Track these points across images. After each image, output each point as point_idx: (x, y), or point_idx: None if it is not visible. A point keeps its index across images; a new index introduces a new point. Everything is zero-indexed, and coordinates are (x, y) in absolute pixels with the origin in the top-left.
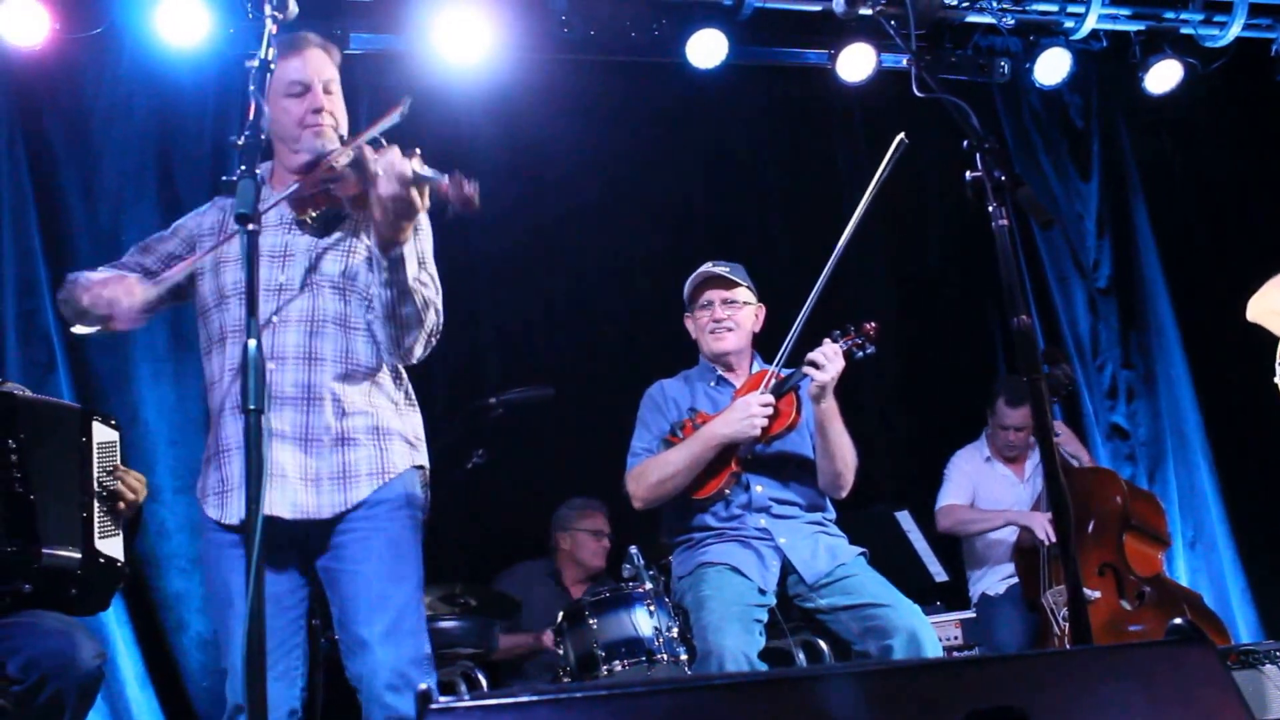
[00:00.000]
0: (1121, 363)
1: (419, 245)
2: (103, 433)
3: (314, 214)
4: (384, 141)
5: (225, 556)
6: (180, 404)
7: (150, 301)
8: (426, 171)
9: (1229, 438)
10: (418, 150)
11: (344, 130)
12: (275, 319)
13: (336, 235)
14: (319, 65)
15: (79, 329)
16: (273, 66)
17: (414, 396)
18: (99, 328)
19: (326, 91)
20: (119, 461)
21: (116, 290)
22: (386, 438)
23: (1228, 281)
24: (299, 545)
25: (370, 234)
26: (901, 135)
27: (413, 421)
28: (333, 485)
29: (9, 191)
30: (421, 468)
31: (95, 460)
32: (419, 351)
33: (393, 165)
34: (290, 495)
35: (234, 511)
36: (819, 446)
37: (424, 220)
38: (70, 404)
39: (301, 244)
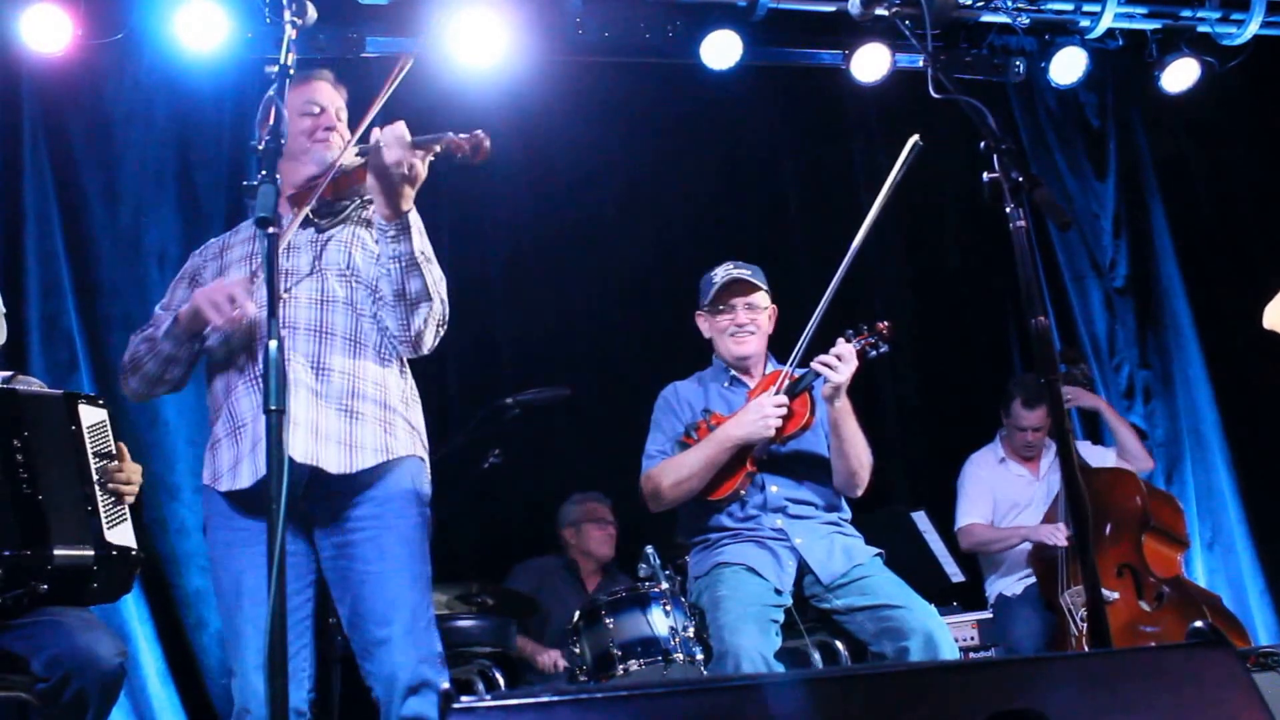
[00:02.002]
0: (1138, 363)
1: (420, 242)
2: (90, 415)
3: (314, 209)
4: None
5: (234, 551)
6: (200, 404)
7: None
8: (426, 136)
9: (1247, 438)
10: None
11: (350, 153)
12: (285, 295)
13: (337, 229)
14: (330, 96)
15: (157, 389)
16: (292, 71)
17: (418, 393)
18: (175, 379)
19: (338, 118)
20: (111, 440)
21: (222, 289)
22: (390, 421)
23: (1245, 280)
24: (301, 537)
25: (370, 228)
26: (916, 137)
27: (415, 416)
28: (339, 447)
29: (32, 194)
30: (424, 460)
31: (89, 446)
32: (429, 339)
33: (394, 132)
34: (301, 441)
35: (245, 476)
36: (834, 446)
37: (416, 219)
38: (52, 391)
39: (304, 237)
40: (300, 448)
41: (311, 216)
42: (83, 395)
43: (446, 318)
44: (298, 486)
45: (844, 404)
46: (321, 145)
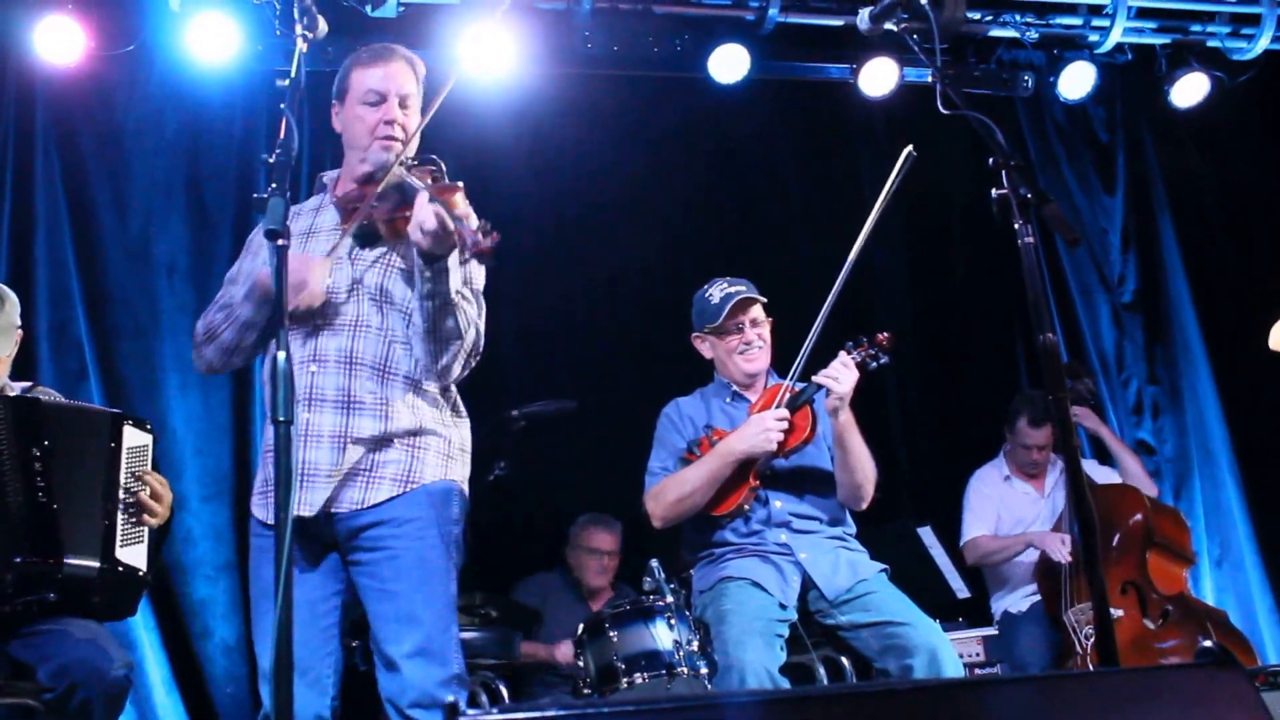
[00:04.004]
0: (1147, 378)
1: (467, 272)
2: (134, 437)
3: (354, 227)
4: (443, 167)
5: (264, 565)
6: (207, 413)
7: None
8: (465, 230)
9: (1256, 454)
10: (460, 185)
11: (414, 144)
12: (321, 322)
13: (376, 249)
14: (401, 78)
15: (234, 358)
16: (302, 84)
17: (462, 408)
18: (249, 347)
19: (402, 106)
20: (149, 466)
21: (298, 271)
22: (422, 447)
23: (1254, 296)
24: (332, 549)
25: (407, 250)
26: (910, 148)
27: (459, 434)
28: (355, 482)
29: (43, 204)
30: (457, 482)
31: (124, 465)
32: (457, 370)
33: (433, 228)
34: (317, 495)
35: (273, 512)
36: (838, 459)
37: (454, 258)
38: (102, 409)
39: (343, 248)
40: (309, 504)
41: (353, 233)
42: (131, 417)
43: (480, 349)
44: (318, 539)
45: (847, 417)
46: (380, 145)
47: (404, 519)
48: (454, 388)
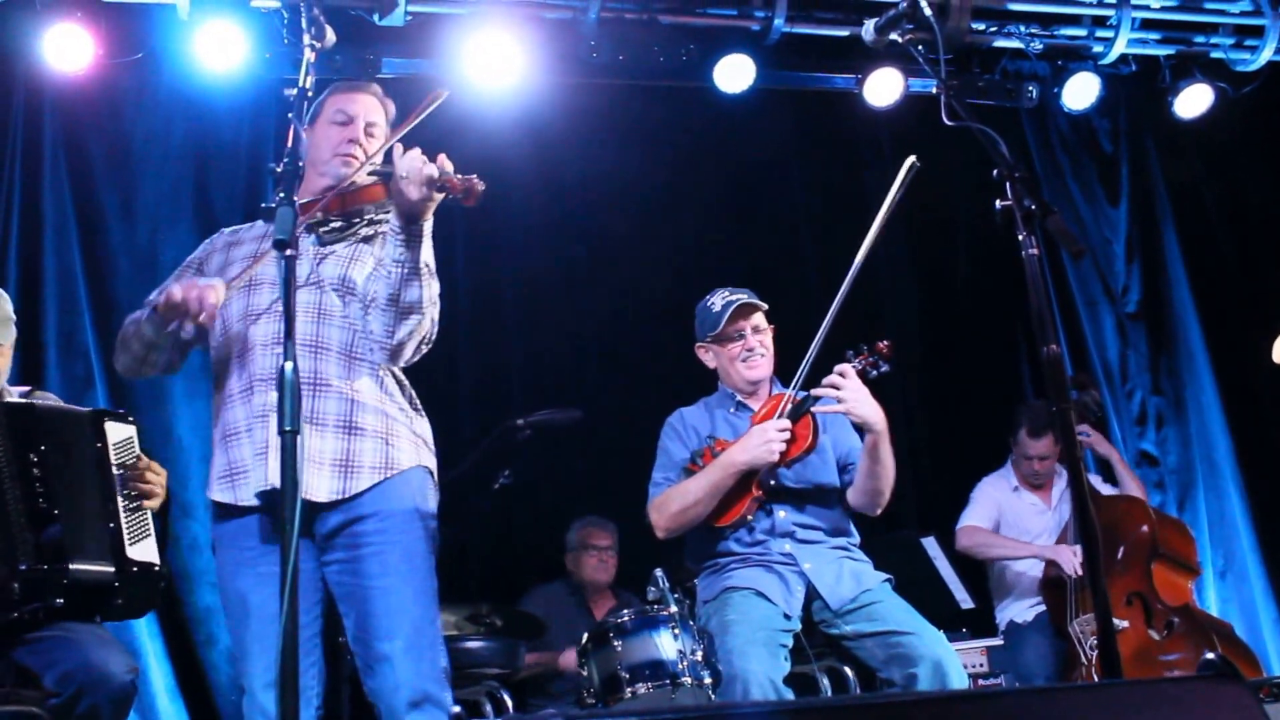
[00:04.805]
0: (1151, 389)
1: (427, 253)
2: (117, 431)
3: (322, 221)
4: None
5: (240, 570)
6: (211, 420)
7: (222, 297)
8: (449, 168)
9: (1260, 465)
10: (441, 156)
11: (367, 169)
12: (279, 308)
13: (339, 245)
14: (368, 106)
15: (144, 369)
16: (310, 94)
17: (419, 404)
18: (159, 363)
19: (367, 131)
20: (137, 454)
21: (197, 290)
22: (393, 434)
23: (1259, 307)
24: (309, 548)
25: (372, 244)
26: (913, 158)
27: (422, 424)
28: (334, 470)
29: (51, 211)
30: (429, 470)
31: (114, 463)
32: (408, 351)
33: (415, 167)
34: (274, 464)
35: (247, 492)
36: (865, 467)
37: (428, 229)
38: (79, 408)
39: (306, 245)
40: (274, 473)
41: (316, 230)
42: (110, 412)
43: (432, 338)
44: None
45: (882, 428)
46: (340, 160)
47: (386, 513)
48: (408, 383)
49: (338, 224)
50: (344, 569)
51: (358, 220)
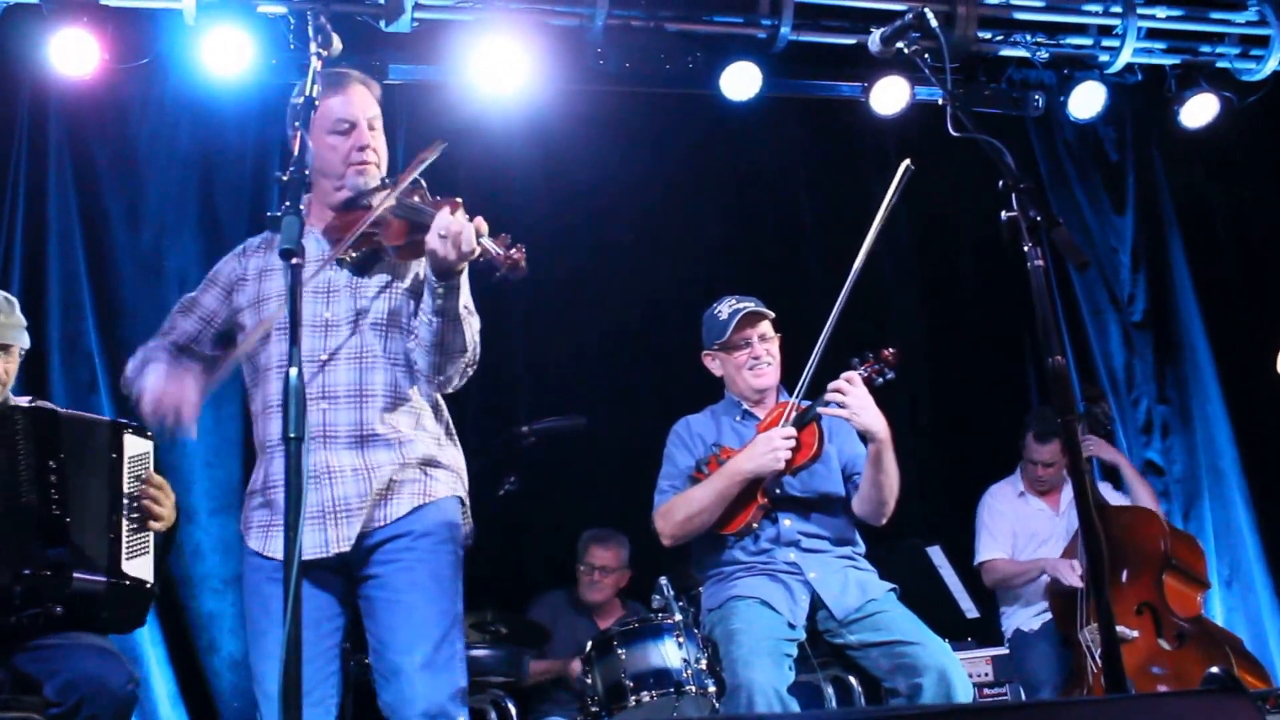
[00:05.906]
0: (1157, 398)
1: (465, 296)
2: (135, 445)
3: (354, 254)
4: (423, 184)
5: (265, 585)
6: (217, 426)
7: (205, 393)
8: (491, 247)
9: (1266, 474)
10: (459, 200)
11: (384, 165)
12: (325, 356)
13: (376, 274)
14: (363, 102)
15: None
16: (317, 103)
17: (454, 431)
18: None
19: (370, 128)
20: (150, 470)
21: (176, 399)
22: (433, 465)
23: (1264, 316)
24: (344, 572)
25: (409, 269)
26: (907, 162)
27: (454, 455)
28: (374, 503)
29: (56, 215)
30: (463, 500)
31: (126, 476)
32: (456, 381)
33: (457, 235)
34: (353, 528)
35: (278, 546)
36: (869, 476)
37: (464, 275)
38: (101, 417)
39: (343, 279)
40: (320, 543)
41: (349, 260)
42: (130, 425)
43: (477, 359)
44: (329, 565)
45: (885, 437)
46: (354, 170)
47: (420, 532)
48: (445, 410)
49: (368, 256)
50: (373, 583)
51: (389, 255)
